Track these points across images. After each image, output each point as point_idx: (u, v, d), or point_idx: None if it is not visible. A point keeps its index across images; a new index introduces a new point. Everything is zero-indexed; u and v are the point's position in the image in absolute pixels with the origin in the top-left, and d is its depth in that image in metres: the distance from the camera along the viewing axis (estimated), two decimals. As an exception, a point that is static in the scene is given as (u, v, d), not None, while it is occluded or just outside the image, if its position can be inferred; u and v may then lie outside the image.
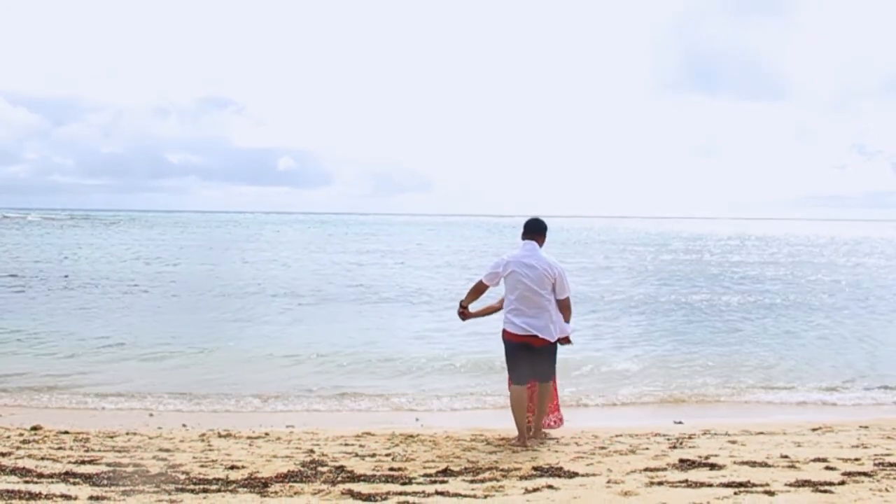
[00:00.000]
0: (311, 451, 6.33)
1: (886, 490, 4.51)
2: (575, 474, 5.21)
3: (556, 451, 6.23)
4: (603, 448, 6.35)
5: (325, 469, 5.47)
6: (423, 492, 4.68)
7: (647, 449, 6.26)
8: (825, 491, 4.51)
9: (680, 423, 8.19)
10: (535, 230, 6.70)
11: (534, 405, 6.81)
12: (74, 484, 4.80)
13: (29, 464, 5.47)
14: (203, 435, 7.22)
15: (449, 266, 31.99)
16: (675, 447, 6.36)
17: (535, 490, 4.67)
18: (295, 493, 4.68)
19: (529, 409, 6.89)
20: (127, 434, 7.23)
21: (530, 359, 6.57)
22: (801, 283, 26.32)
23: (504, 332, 6.62)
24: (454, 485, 4.93)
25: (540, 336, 6.47)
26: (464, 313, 6.94)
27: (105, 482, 4.90)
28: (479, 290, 6.75)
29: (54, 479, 4.91)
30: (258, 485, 4.92)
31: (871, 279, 27.97)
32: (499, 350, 6.86)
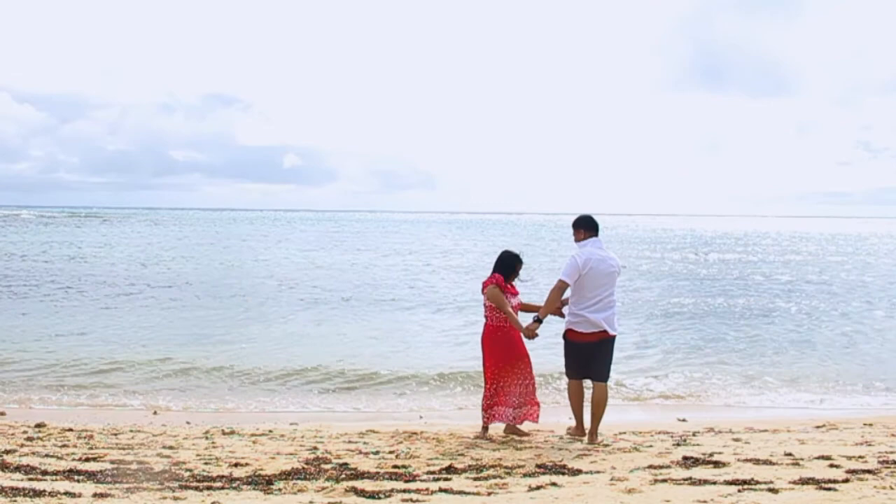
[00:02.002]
0: (315, 448, 6.33)
1: (891, 488, 4.50)
2: (579, 471, 5.20)
3: (560, 449, 6.24)
4: (606, 445, 6.35)
5: (328, 466, 5.47)
6: (427, 489, 4.68)
7: (650, 446, 6.26)
8: (829, 489, 4.50)
9: (684, 420, 8.18)
10: (594, 227, 6.77)
11: (599, 410, 6.63)
12: (78, 481, 4.81)
13: (33, 461, 5.48)
14: (207, 432, 7.22)
15: (468, 269, 31.05)
16: (678, 445, 6.36)
17: (539, 487, 4.67)
18: (299, 491, 4.68)
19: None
20: (131, 431, 7.25)
21: (595, 356, 6.61)
22: (833, 283, 25.62)
23: (571, 332, 6.61)
24: (458, 482, 4.92)
25: (609, 331, 6.56)
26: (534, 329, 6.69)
27: (109, 479, 4.91)
28: (561, 290, 6.63)
29: (58, 477, 4.92)
30: (262, 482, 4.92)
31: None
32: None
